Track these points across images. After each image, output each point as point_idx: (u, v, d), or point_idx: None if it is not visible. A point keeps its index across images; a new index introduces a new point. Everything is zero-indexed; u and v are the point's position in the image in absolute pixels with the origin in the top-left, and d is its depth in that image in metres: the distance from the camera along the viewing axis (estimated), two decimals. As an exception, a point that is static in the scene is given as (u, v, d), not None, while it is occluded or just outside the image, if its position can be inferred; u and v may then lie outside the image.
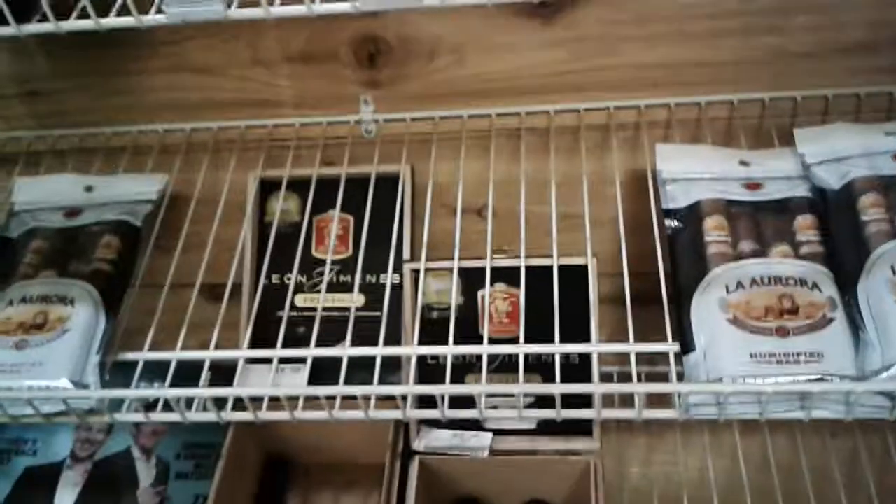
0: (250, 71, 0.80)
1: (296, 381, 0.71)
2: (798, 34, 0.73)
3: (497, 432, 0.75)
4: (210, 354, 0.64)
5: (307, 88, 0.80)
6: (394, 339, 0.75)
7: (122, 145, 0.82)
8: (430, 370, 0.75)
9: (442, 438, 0.75)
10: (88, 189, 0.77)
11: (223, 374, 0.67)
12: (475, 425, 0.75)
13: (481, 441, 0.74)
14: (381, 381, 0.61)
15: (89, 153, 0.82)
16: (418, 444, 0.75)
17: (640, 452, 0.88)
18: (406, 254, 0.78)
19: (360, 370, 0.63)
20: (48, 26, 0.53)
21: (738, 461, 0.79)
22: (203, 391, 0.61)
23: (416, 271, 0.72)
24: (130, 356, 0.65)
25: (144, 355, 0.65)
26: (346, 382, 0.61)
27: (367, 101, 0.80)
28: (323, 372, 0.67)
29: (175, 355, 0.64)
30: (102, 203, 0.75)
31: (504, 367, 0.73)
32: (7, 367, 0.63)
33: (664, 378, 0.59)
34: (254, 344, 0.77)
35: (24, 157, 0.83)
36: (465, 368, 0.75)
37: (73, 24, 0.52)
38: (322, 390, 0.60)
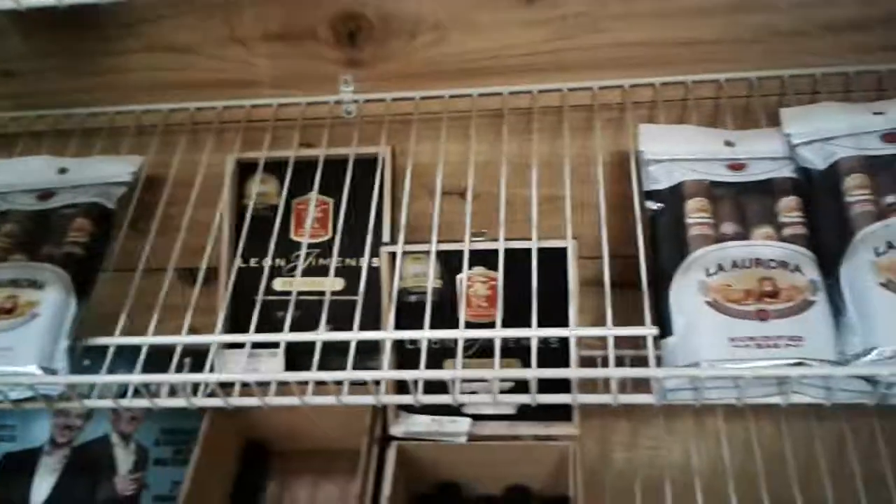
0: (228, 50, 0.78)
1: (271, 366, 0.70)
2: (787, 12, 0.72)
3: (476, 417, 0.74)
4: (182, 339, 0.63)
5: (286, 68, 0.79)
6: (372, 323, 0.74)
7: (98, 126, 0.81)
8: (409, 354, 0.74)
9: (420, 423, 0.74)
10: (62, 171, 0.75)
11: (200, 357, 0.66)
12: (454, 410, 0.74)
13: (459, 426, 0.73)
14: (360, 366, 0.60)
15: (65, 135, 0.81)
16: (396, 430, 0.75)
17: (624, 437, 0.87)
18: (385, 237, 0.76)
19: (337, 354, 0.62)
20: (7, 3, 0.51)
21: (722, 446, 0.78)
22: (172, 377, 0.60)
23: (393, 254, 0.71)
24: (101, 341, 0.64)
25: (115, 340, 0.64)
26: (324, 366, 0.60)
27: (347, 80, 0.78)
28: (299, 356, 0.66)
29: (146, 340, 0.63)
30: (76, 185, 0.74)
31: (483, 351, 0.72)
32: (-24, 352, 0.62)
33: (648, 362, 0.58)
34: (232, 327, 0.76)
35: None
36: (444, 353, 0.74)
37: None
38: (293, 376, 0.59)
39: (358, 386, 0.61)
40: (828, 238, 0.60)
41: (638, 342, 0.69)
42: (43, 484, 0.82)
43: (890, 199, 0.59)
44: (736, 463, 0.77)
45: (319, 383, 0.60)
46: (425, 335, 0.61)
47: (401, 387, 0.61)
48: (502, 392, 0.58)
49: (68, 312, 0.64)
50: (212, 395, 0.62)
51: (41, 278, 0.66)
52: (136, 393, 0.61)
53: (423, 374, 0.58)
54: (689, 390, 0.56)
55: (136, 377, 0.59)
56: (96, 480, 0.82)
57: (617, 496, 0.78)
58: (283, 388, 0.61)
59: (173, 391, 0.62)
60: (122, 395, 0.62)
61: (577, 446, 0.73)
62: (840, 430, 0.82)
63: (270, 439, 0.84)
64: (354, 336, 0.62)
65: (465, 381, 0.60)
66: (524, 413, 0.74)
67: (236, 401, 0.61)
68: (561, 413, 0.74)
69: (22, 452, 0.85)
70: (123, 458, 0.83)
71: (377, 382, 0.59)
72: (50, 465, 0.84)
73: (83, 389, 0.62)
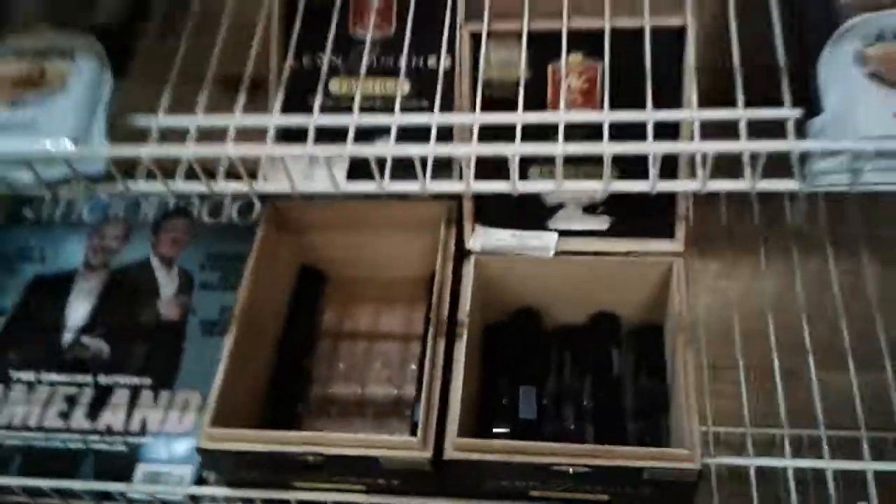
0: None
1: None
2: None
3: (562, 235, 0.66)
4: (236, 120, 0.54)
5: None
6: (446, 134, 0.65)
7: None
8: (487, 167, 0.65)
9: (501, 238, 0.66)
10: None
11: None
12: (539, 225, 0.66)
13: (545, 241, 0.65)
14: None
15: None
16: (474, 244, 0.66)
17: (722, 268, 0.79)
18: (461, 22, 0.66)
19: (409, 168, 0.53)
20: None
21: (831, 285, 0.70)
22: (229, 149, 0.51)
23: (476, 35, 0.61)
24: (144, 121, 0.55)
25: (160, 120, 0.55)
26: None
27: None
28: (363, 168, 0.57)
29: (196, 120, 0.54)
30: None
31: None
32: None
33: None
34: (284, 136, 0.67)
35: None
36: (528, 162, 0.65)
37: None
38: (371, 150, 0.50)
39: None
40: None
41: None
42: (79, 308, 0.76)
43: None
44: (850, 306, 0.70)
45: (397, 168, 0.51)
46: (519, 118, 0.52)
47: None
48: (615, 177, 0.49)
49: (104, 87, 0.56)
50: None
51: (71, 48, 0.57)
52: (190, 175, 0.53)
53: (520, 148, 0.48)
54: (844, 173, 0.47)
55: (192, 149, 0.51)
56: (138, 303, 0.75)
57: (712, 328, 0.70)
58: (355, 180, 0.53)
59: (232, 171, 0.53)
60: (168, 176, 0.54)
61: (681, 262, 0.64)
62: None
63: (329, 265, 0.76)
64: (435, 119, 0.52)
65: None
66: (617, 229, 0.65)
67: (305, 185, 0.53)
68: (660, 228, 0.65)
69: (54, 275, 0.78)
70: (166, 283, 0.76)
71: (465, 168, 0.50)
72: (86, 289, 0.77)
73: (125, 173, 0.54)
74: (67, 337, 0.75)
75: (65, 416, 0.70)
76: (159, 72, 0.59)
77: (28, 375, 0.73)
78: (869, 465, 0.61)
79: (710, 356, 0.69)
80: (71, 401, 0.71)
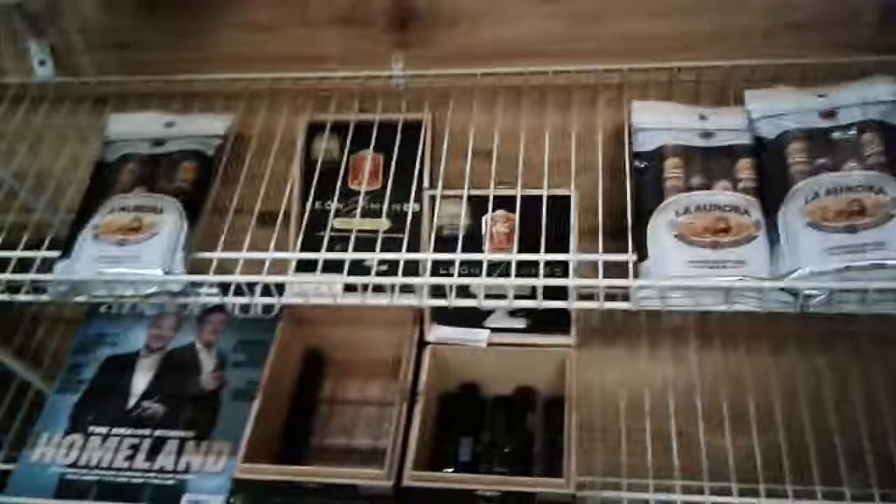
0: (301, 31, 0.97)
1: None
2: (759, 14, 0.89)
3: (493, 330, 0.93)
4: (270, 255, 0.82)
5: (348, 47, 0.97)
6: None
7: (194, 91, 0.99)
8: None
9: (450, 332, 0.93)
10: (169, 125, 0.94)
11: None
12: (477, 325, 0.93)
13: (480, 336, 0.92)
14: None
15: (168, 97, 0.99)
16: (431, 336, 0.93)
17: (614, 360, 1.05)
18: (426, 186, 0.95)
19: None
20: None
21: (692, 370, 0.97)
22: (265, 278, 0.78)
23: (434, 197, 0.89)
24: (206, 255, 0.83)
25: (218, 255, 0.82)
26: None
27: (398, 59, 0.96)
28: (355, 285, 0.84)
29: (241, 255, 0.82)
30: (181, 136, 0.93)
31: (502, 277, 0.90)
32: (112, 258, 0.81)
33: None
34: (299, 259, 0.95)
35: (114, 99, 1.01)
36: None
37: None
38: (358, 279, 0.77)
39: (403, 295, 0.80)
40: (772, 190, 0.77)
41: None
42: (141, 380, 1.02)
43: (821, 160, 0.77)
44: (705, 383, 0.96)
45: (375, 290, 0.79)
46: (457, 257, 0.80)
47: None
48: (517, 297, 0.76)
49: (182, 232, 0.83)
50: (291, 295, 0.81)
51: (160, 205, 0.84)
52: (237, 292, 0.80)
53: (456, 280, 0.76)
54: (657, 298, 0.74)
55: (238, 277, 0.78)
56: (186, 377, 1.01)
57: (605, 400, 0.97)
58: (348, 295, 0.80)
59: (266, 291, 0.80)
60: (224, 291, 0.81)
61: (574, 353, 0.91)
62: (791, 363, 1.00)
63: (327, 349, 1.03)
64: (403, 256, 0.80)
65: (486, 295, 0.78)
66: (532, 328, 0.92)
67: (313, 299, 0.80)
68: (562, 328, 0.92)
69: (122, 356, 1.05)
70: (207, 361, 1.02)
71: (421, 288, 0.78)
72: (146, 366, 1.03)
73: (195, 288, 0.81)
74: (132, 401, 1.01)
75: (130, 459, 0.95)
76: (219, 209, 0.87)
77: (102, 430, 0.98)
78: (707, 499, 0.87)
79: (602, 420, 0.96)
80: (134, 448, 0.96)
